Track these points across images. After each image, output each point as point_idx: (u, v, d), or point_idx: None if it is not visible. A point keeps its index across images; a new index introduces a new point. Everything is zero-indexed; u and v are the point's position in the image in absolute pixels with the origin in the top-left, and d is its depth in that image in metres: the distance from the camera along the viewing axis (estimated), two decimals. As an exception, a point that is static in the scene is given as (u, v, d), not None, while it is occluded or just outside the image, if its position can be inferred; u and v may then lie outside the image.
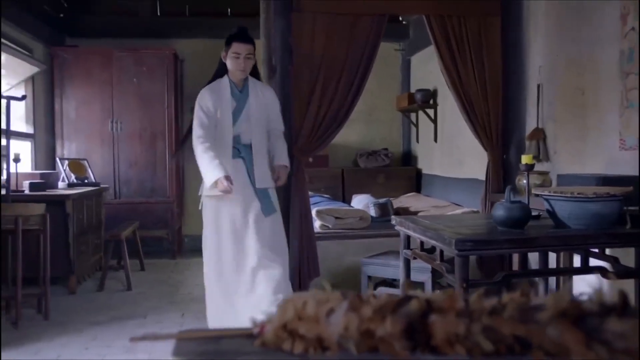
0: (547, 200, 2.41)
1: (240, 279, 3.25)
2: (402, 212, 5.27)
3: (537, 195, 2.50)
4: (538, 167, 3.87)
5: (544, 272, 2.72)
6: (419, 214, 4.87)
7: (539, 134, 3.89)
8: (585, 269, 2.35)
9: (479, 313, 0.82)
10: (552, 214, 2.40)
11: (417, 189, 6.47)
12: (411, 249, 2.83)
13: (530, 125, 4.04)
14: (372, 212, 4.86)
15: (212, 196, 3.27)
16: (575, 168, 3.52)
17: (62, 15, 6.16)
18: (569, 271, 2.53)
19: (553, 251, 2.67)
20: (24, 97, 4.19)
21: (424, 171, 6.45)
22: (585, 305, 0.80)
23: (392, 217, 3.00)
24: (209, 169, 3.20)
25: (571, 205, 2.31)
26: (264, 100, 3.43)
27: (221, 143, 3.29)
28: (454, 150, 5.52)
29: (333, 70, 4.04)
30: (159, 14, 6.58)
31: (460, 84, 4.17)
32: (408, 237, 2.82)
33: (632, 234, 2.29)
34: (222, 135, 3.30)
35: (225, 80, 3.37)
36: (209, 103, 3.29)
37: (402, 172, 6.64)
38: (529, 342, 0.80)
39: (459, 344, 0.81)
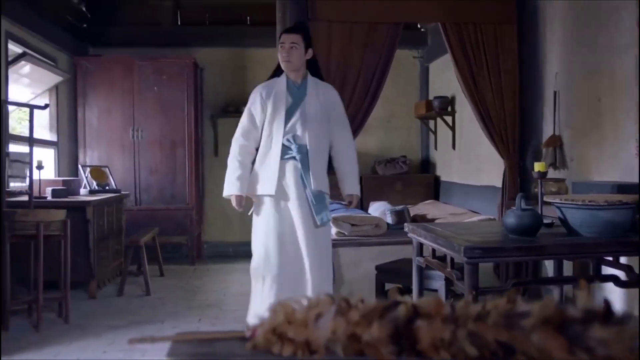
0: (558, 208, 2.40)
1: (284, 287, 3.10)
2: (420, 219, 5.25)
3: (549, 203, 2.49)
4: (555, 174, 3.85)
5: (555, 280, 2.70)
6: (436, 221, 4.86)
7: (556, 141, 3.86)
8: (598, 278, 2.33)
9: (464, 319, 0.84)
10: (564, 221, 2.39)
11: (436, 196, 6.45)
12: (424, 256, 2.84)
13: (547, 132, 4.01)
14: (389, 219, 4.85)
15: (263, 195, 3.16)
16: (593, 175, 3.49)
17: (85, 25, 6.30)
18: (579, 279, 2.50)
19: (563, 259, 2.66)
20: (46, 106, 4.30)
21: (443, 178, 6.43)
22: (569, 313, 0.81)
23: (405, 224, 3.00)
24: (228, 180, 3.19)
25: (582, 213, 2.29)
26: (325, 100, 3.23)
27: (270, 141, 3.16)
28: (472, 158, 5.49)
29: (349, 78, 4.09)
30: (179, 23, 6.68)
31: (476, 91, 4.17)
32: (421, 245, 2.83)
33: (645, 242, 2.26)
34: (271, 132, 3.16)
35: (282, 77, 3.22)
36: (257, 100, 3.19)
37: (420, 179, 6.63)
38: (513, 347, 0.81)
39: (444, 349, 0.82)
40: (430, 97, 6.38)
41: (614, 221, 2.27)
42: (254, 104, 3.21)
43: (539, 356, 0.79)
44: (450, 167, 6.17)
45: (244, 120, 3.23)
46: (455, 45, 4.15)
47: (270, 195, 3.14)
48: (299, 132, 3.15)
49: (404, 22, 4.28)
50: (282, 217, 3.14)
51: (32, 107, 4.01)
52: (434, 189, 6.51)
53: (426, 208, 5.75)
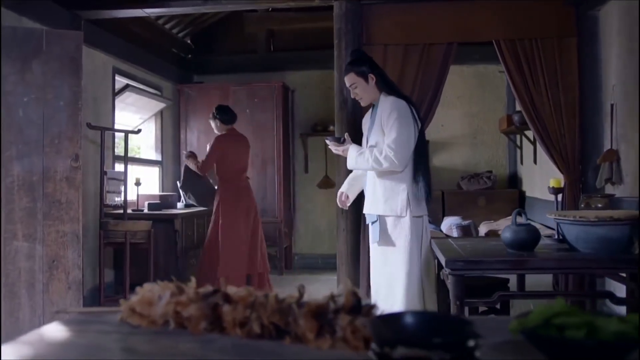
0: (557, 223, 2.44)
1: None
2: (492, 234, 5.23)
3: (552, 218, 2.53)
4: (612, 190, 3.75)
5: (544, 293, 2.69)
6: (502, 237, 4.83)
7: (612, 156, 3.74)
8: (592, 294, 2.31)
9: (259, 306, 1.08)
10: (563, 237, 2.43)
11: (521, 212, 6.32)
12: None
13: (607, 146, 3.89)
14: (455, 233, 4.92)
15: None
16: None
17: (190, 56, 7.04)
18: (572, 295, 2.47)
19: (550, 273, 2.64)
20: (139, 131, 4.94)
21: (528, 194, 6.30)
22: (328, 305, 1.03)
23: (431, 239, 3.13)
24: None
25: (576, 228, 2.32)
26: (380, 118, 3.08)
27: None
28: (550, 172, 5.36)
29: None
30: (272, 49, 7.22)
31: (533, 106, 4.15)
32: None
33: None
34: None
35: None
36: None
37: (503, 194, 6.53)
38: (283, 328, 1.04)
39: (239, 326, 1.07)
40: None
41: (609, 237, 2.27)
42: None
43: (303, 336, 1.02)
44: (533, 182, 6.04)
45: None
46: (510, 61, 4.17)
47: None
48: None
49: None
50: None
51: (127, 133, 4.66)
52: (520, 205, 6.37)
53: (504, 224, 5.67)
